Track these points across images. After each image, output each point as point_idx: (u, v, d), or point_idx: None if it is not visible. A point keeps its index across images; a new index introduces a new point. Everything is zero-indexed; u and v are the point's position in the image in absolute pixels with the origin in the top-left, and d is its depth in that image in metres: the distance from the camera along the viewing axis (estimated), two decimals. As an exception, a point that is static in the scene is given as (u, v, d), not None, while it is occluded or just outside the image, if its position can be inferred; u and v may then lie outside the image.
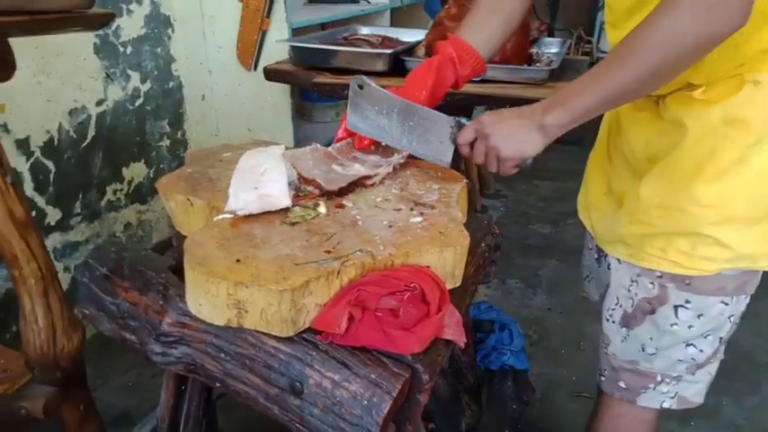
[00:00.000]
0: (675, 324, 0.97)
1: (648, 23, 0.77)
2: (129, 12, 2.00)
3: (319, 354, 0.78)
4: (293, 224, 0.91)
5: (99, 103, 1.95)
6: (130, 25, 2.02)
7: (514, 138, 0.90)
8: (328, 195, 1.00)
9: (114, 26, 1.95)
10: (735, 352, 2.06)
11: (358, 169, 1.08)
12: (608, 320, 1.07)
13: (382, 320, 0.78)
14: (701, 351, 0.99)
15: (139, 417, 1.59)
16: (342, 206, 0.98)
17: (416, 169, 1.13)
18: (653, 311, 0.98)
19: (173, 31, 2.20)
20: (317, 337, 0.80)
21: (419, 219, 0.94)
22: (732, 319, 0.99)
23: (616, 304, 1.04)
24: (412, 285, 0.80)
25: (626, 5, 0.91)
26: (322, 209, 0.96)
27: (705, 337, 0.98)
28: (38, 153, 1.76)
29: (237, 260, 0.80)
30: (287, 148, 1.09)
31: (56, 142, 1.81)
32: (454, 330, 0.82)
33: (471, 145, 0.96)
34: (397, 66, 1.86)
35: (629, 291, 1.01)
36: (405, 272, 0.83)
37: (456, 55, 1.05)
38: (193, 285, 0.81)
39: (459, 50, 1.06)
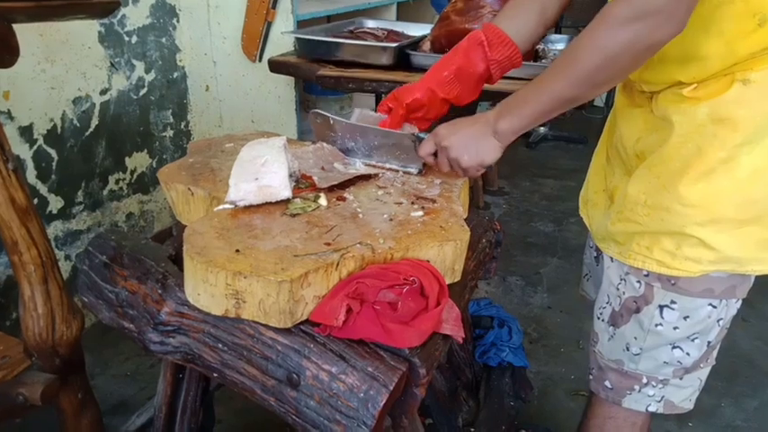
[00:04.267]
0: (660, 324, 0.96)
1: (582, 35, 0.82)
2: (135, 1, 2.00)
3: (317, 346, 0.78)
4: (293, 216, 0.91)
5: (103, 92, 1.95)
6: (136, 14, 2.01)
7: (471, 147, 0.96)
8: (329, 188, 0.99)
9: (120, 15, 1.95)
10: (735, 354, 2.05)
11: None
12: (598, 318, 1.06)
13: (380, 314, 0.77)
14: (688, 354, 0.97)
15: (137, 406, 1.59)
16: (342, 199, 0.97)
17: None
18: (638, 310, 0.97)
19: (178, 21, 2.19)
20: (314, 329, 0.80)
21: (420, 213, 0.94)
22: (721, 323, 0.96)
23: (606, 302, 1.03)
24: (411, 279, 0.80)
25: None
26: (323, 201, 0.95)
27: (692, 340, 0.96)
28: (41, 141, 1.76)
29: (237, 250, 0.80)
30: (290, 142, 1.09)
31: (59, 130, 1.81)
32: (452, 325, 0.82)
33: (435, 155, 1.02)
34: (403, 59, 1.85)
35: (617, 289, 1.00)
36: (404, 265, 0.83)
37: (485, 38, 1.04)
38: (192, 275, 0.80)
39: (488, 34, 1.04)
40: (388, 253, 0.84)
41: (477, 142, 0.96)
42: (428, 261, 0.86)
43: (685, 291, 0.92)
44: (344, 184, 1.01)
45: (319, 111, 1.10)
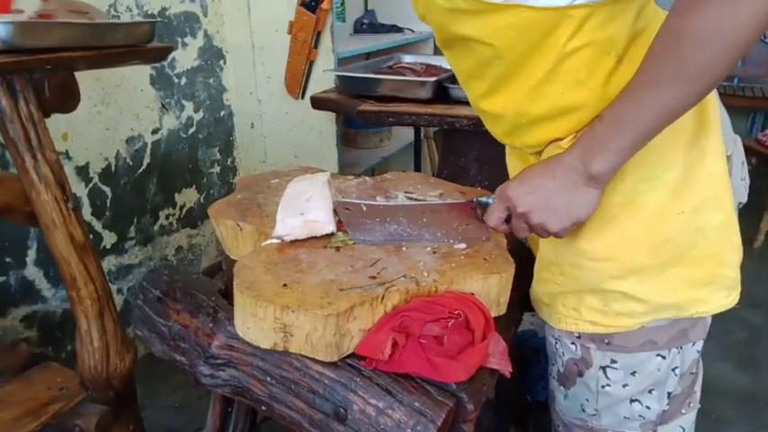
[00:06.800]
0: (608, 385, 0.88)
1: (674, 22, 0.63)
2: (184, 44, 2.10)
3: (363, 380, 0.79)
4: (338, 249, 0.93)
5: (154, 132, 2.04)
6: (185, 57, 2.11)
7: (559, 205, 0.75)
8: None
9: (170, 58, 2.05)
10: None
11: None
12: (551, 377, 0.99)
13: (426, 347, 0.77)
14: (648, 408, 0.88)
15: (186, 438, 1.62)
16: (386, 232, 0.98)
17: (460, 195, 1.14)
18: (581, 374, 0.90)
19: (225, 63, 2.29)
20: (360, 362, 0.80)
21: (463, 245, 0.94)
22: (678, 371, 0.87)
23: (553, 363, 0.97)
24: (456, 312, 0.80)
25: (465, 69, 0.87)
26: (367, 235, 0.96)
27: (649, 392, 0.88)
28: (96, 179, 1.84)
29: (284, 284, 0.82)
30: (333, 176, 1.11)
31: (113, 169, 1.89)
32: (499, 359, 0.81)
33: (507, 219, 0.82)
34: (441, 93, 1.88)
35: (556, 349, 0.93)
36: (449, 298, 0.83)
37: None
38: (242, 308, 0.82)
39: None
40: (433, 286, 0.85)
41: (565, 197, 0.75)
42: (473, 294, 0.86)
43: (623, 348, 0.85)
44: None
45: (346, 199, 0.92)
